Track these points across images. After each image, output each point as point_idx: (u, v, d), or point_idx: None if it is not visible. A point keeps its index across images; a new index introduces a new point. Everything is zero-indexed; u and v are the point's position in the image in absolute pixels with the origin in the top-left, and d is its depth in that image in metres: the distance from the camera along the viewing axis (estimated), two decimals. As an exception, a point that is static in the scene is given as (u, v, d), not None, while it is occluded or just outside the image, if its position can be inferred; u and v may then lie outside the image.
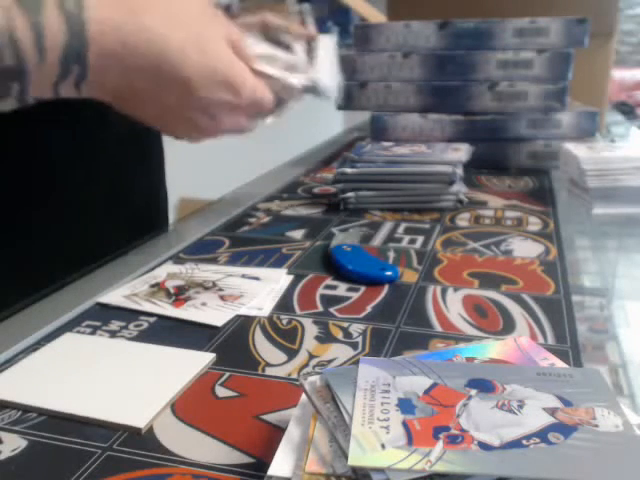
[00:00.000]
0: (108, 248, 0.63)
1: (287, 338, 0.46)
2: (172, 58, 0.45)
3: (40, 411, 0.37)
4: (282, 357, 0.43)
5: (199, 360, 0.42)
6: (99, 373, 0.41)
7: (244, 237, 0.68)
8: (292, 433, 0.31)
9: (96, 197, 0.66)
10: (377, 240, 0.67)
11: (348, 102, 1.07)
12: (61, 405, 0.37)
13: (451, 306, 0.51)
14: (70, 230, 0.64)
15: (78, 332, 0.47)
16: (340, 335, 0.46)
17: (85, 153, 0.65)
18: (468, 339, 0.45)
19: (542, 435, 0.27)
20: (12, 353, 0.44)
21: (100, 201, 0.67)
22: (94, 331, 0.47)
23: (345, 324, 0.48)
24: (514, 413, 0.29)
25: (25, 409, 0.37)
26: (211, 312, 0.49)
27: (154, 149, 0.76)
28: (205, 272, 0.57)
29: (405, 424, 0.28)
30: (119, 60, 0.43)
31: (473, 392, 0.31)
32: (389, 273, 0.56)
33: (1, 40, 0.38)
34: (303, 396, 0.32)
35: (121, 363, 0.42)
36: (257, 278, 0.56)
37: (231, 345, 0.45)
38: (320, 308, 0.51)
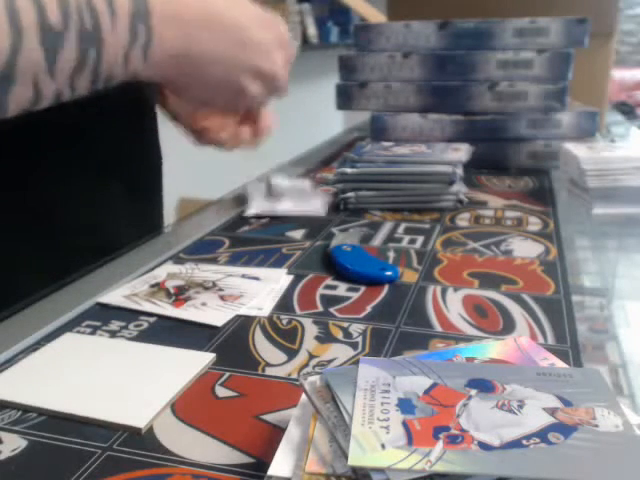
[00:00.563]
0: (101, 251, 0.63)
1: (287, 338, 0.46)
2: (220, 7, 0.50)
3: (40, 411, 0.37)
4: (282, 357, 0.43)
5: (199, 360, 0.42)
6: (99, 373, 0.41)
7: (244, 237, 0.68)
8: (292, 433, 0.31)
9: (90, 199, 0.66)
10: (377, 240, 0.67)
11: (348, 102, 1.07)
12: (61, 405, 0.37)
13: (451, 306, 0.51)
14: (65, 232, 0.64)
15: (78, 332, 0.47)
16: (340, 335, 0.46)
17: (81, 155, 0.64)
18: (468, 339, 0.45)
19: (542, 435, 0.27)
20: (12, 353, 0.44)
21: (94, 203, 0.67)
22: (94, 331, 0.47)
23: (345, 324, 0.48)
24: (514, 413, 0.29)
25: (25, 409, 0.37)
26: (211, 312, 0.49)
27: (152, 152, 0.76)
28: (205, 272, 0.57)
29: (405, 424, 0.28)
30: (178, 17, 0.47)
31: (473, 392, 0.31)
32: (389, 273, 0.56)
33: (81, 5, 0.41)
34: (303, 396, 0.32)
35: (121, 363, 0.42)
36: (257, 278, 0.56)
37: (231, 345, 0.45)
38: (320, 308, 0.51)
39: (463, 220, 0.74)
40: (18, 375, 0.41)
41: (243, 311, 0.50)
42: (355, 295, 0.53)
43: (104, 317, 0.49)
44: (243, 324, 0.48)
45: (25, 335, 0.46)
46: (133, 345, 0.45)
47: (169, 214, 0.81)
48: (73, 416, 0.36)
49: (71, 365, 0.42)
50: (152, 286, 0.54)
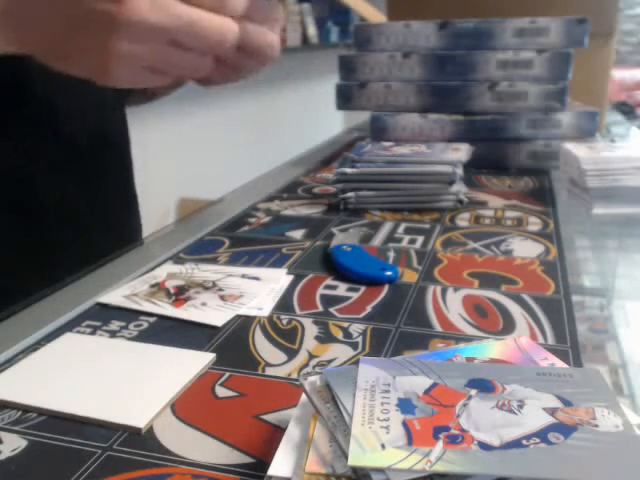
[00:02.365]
0: (76, 262, 0.61)
1: (287, 338, 0.46)
2: None
3: (40, 411, 0.37)
4: (282, 357, 0.43)
5: (199, 360, 0.42)
6: (99, 373, 0.41)
7: (244, 237, 0.68)
8: (292, 433, 0.31)
9: (64, 210, 0.65)
10: (377, 240, 0.67)
11: (348, 102, 1.07)
12: (61, 405, 0.37)
13: (451, 306, 0.51)
14: (41, 242, 0.62)
15: (78, 332, 0.47)
16: (340, 335, 0.46)
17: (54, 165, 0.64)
18: (468, 339, 0.45)
19: (542, 435, 0.27)
20: (12, 353, 0.44)
21: (69, 214, 0.65)
22: (94, 331, 0.47)
23: (345, 324, 0.48)
24: (514, 413, 0.29)
25: (25, 409, 0.37)
26: (211, 312, 0.49)
27: (122, 160, 0.74)
28: (205, 272, 0.57)
29: (405, 424, 0.28)
30: None
31: (473, 392, 0.31)
32: (389, 273, 0.56)
33: None
34: (303, 396, 0.32)
35: (121, 363, 0.42)
36: (257, 278, 0.56)
37: (231, 345, 0.45)
38: (320, 308, 0.51)
39: (463, 220, 0.74)
40: (18, 375, 0.41)
41: (243, 311, 0.50)
42: (355, 295, 0.53)
43: (104, 317, 0.49)
44: (243, 324, 0.48)
45: (25, 335, 0.46)
46: (133, 345, 0.45)
47: (169, 214, 0.81)
48: (73, 416, 0.36)
49: (71, 365, 0.42)
50: (152, 286, 0.54)
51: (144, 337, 0.46)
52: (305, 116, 3.67)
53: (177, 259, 0.62)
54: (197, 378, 0.40)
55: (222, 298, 0.52)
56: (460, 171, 0.78)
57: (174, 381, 0.39)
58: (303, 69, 3.71)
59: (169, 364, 0.42)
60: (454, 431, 0.28)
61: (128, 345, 0.45)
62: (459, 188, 0.77)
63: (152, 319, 0.49)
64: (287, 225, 0.72)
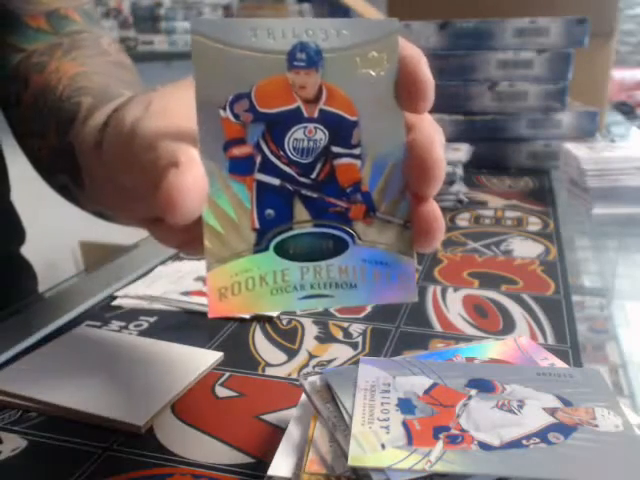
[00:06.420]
0: None
1: (287, 338, 0.46)
2: None
3: (39, 403, 0.37)
4: (282, 357, 0.43)
5: (207, 358, 0.42)
6: (108, 369, 0.41)
7: (244, 237, 0.68)
8: (292, 433, 0.31)
9: None
10: (377, 240, 0.67)
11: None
12: (61, 399, 0.37)
13: (451, 306, 0.51)
14: None
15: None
16: (340, 335, 0.46)
17: None
18: (468, 339, 0.45)
19: (542, 435, 0.27)
20: (12, 353, 0.44)
21: None
22: (94, 331, 0.47)
23: (345, 324, 0.48)
24: (514, 413, 0.29)
25: (25, 401, 0.37)
26: None
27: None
28: None
29: (405, 424, 0.28)
30: None
31: (473, 392, 0.31)
32: (389, 273, 0.56)
33: None
34: (303, 396, 0.32)
35: (129, 358, 0.42)
36: None
37: (231, 345, 0.45)
38: (320, 308, 0.51)
39: (463, 220, 0.74)
40: (23, 368, 0.41)
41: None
42: (355, 295, 0.53)
43: (104, 317, 0.49)
44: (243, 324, 0.48)
45: (25, 335, 0.46)
46: (145, 341, 0.45)
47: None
48: (74, 411, 0.36)
49: (80, 360, 0.42)
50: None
51: (144, 337, 0.46)
52: (305, 116, 3.66)
53: (177, 258, 0.62)
54: (203, 376, 0.40)
55: None
56: (460, 171, 0.78)
57: (181, 378, 0.39)
58: (303, 69, 3.70)
59: (178, 361, 0.42)
60: (454, 431, 0.28)
61: (138, 341, 0.45)
62: (459, 188, 0.77)
63: (152, 319, 0.49)
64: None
